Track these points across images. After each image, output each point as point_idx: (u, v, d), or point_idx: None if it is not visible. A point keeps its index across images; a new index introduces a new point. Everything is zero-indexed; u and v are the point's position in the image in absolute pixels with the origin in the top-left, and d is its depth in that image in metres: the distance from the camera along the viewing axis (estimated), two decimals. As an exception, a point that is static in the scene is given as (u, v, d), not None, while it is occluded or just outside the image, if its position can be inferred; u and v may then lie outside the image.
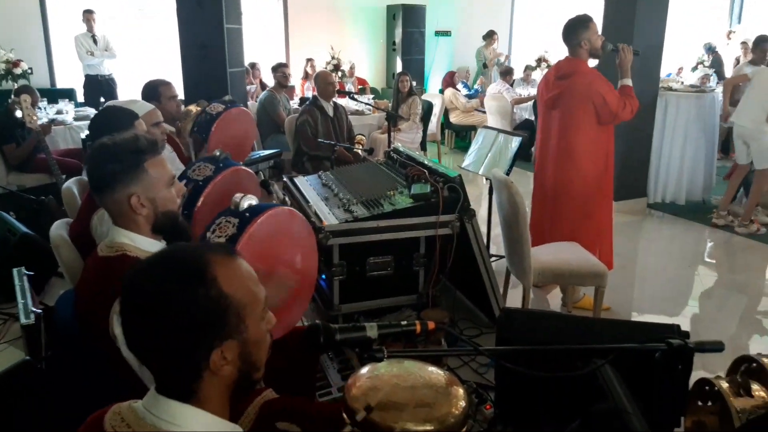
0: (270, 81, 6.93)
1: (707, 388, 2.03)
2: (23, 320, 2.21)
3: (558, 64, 3.49)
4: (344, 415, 1.28)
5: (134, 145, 1.64)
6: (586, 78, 3.31)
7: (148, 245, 1.66)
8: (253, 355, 1.05)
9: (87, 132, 5.33)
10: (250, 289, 1.04)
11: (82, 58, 7.18)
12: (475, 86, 9.26)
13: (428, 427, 1.23)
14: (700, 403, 2.06)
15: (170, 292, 0.95)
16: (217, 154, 2.31)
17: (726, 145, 7.16)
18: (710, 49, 9.30)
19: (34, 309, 2.28)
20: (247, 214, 1.81)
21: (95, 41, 7.17)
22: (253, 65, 7.76)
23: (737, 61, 7.82)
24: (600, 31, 3.51)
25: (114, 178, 1.61)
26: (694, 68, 8.94)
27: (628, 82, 3.39)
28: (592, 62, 3.51)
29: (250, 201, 1.84)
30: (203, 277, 0.97)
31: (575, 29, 3.34)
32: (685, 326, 1.94)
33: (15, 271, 2.64)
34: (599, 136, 3.38)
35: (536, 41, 10.68)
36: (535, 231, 3.68)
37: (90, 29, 7.16)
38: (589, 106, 3.28)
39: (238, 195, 1.84)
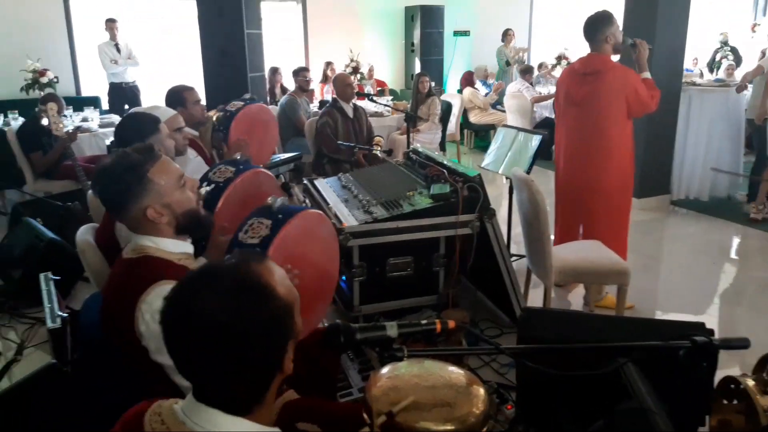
0: (290, 85, 6.98)
1: (732, 386, 2.00)
2: (50, 324, 2.27)
3: (583, 61, 3.46)
4: (364, 415, 1.29)
5: (130, 161, 1.62)
6: (620, 72, 3.32)
7: (172, 246, 1.68)
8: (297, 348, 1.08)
9: (112, 138, 5.43)
10: (290, 287, 1.06)
11: (106, 67, 7.30)
12: (490, 82, 9.21)
13: (449, 427, 1.23)
14: (725, 402, 2.03)
15: (244, 316, 0.94)
16: (238, 157, 2.34)
17: (752, 140, 7.03)
18: (725, 42, 9.18)
19: (61, 313, 2.33)
20: (280, 216, 1.83)
21: (118, 50, 7.29)
22: (275, 70, 7.82)
23: (763, 53, 7.67)
24: (621, 26, 3.50)
25: (122, 198, 1.61)
26: (719, 64, 8.80)
27: (648, 75, 3.41)
28: (614, 57, 3.49)
29: (283, 202, 1.87)
30: (266, 291, 0.98)
31: (600, 25, 3.33)
32: (711, 324, 1.90)
33: (42, 276, 2.71)
34: (629, 131, 3.43)
35: (556, 39, 10.60)
36: (560, 230, 3.65)
37: (113, 38, 7.27)
38: (622, 101, 3.30)
39: (272, 198, 1.87)
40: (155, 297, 1.52)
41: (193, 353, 0.96)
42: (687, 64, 8.54)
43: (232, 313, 0.94)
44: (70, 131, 4.80)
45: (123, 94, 7.36)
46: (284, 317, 0.99)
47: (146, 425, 1.03)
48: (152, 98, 7.15)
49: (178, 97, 3.28)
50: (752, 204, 5.18)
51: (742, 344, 1.34)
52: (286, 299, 1.00)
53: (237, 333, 0.93)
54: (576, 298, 3.68)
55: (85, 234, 2.22)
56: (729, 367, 2.72)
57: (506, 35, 9.37)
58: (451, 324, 1.27)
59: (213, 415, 0.98)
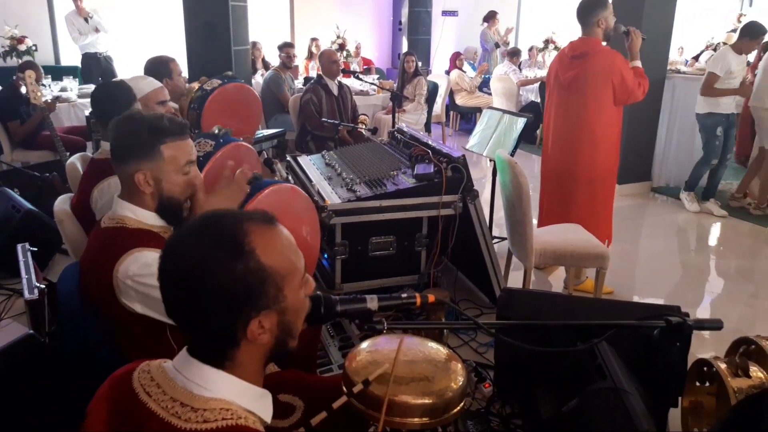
0: (273, 60, 6.88)
1: (705, 369, 2.04)
2: (27, 295, 2.23)
3: (573, 44, 3.44)
4: (344, 388, 1.30)
5: (155, 125, 1.63)
6: (608, 57, 3.28)
7: (151, 219, 1.66)
8: (291, 324, 1.05)
9: (90, 110, 5.33)
10: (289, 258, 1.03)
11: (74, 39, 7.09)
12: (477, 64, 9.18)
13: (427, 401, 1.25)
14: (698, 384, 2.07)
15: (209, 265, 0.95)
16: (216, 131, 2.31)
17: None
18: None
19: (38, 284, 2.30)
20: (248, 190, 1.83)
21: (86, 20, 7.08)
22: (254, 44, 7.70)
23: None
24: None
25: (128, 151, 1.62)
26: (703, 51, 8.87)
27: (639, 64, 3.38)
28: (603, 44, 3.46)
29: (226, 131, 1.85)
30: (242, 250, 0.97)
31: (593, 8, 3.30)
32: (687, 309, 1.94)
33: (19, 246, 2.66)
34: (616, 118, 3.40)
35: (544, 22, 10.57)
36: (543, 213, 3.67)
37: (79, 12, 7.01)
38: (608, 86, 3.27)
39: (240, 170, 1.85)
40: (129, 263, 1.52)
41: (170, 294, 0.99)
42: (673, 53, 8.59)
43: (199, 260, 0.95)
44: (49, 100, 4.70)
45: (97, 65, 7.17)
46: (257, 283, 0.97)
47: (135, 382, 1.03)
48: (129, 69, 6.98)
49: (164, 68, 3.18)
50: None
51: (715, 325, 1.37)
52: (270, 267, 0.98)
53: (197, 280, 0.95)
54: (556, 281, 3.72)
55: (63, 203, 2.19)
56: (703, 351, 2.78)
57: (492, 18, 9.30)
58: (431, 298, 1.28)
59: (202, 370, 1.00)
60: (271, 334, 1.01)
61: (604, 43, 3.40)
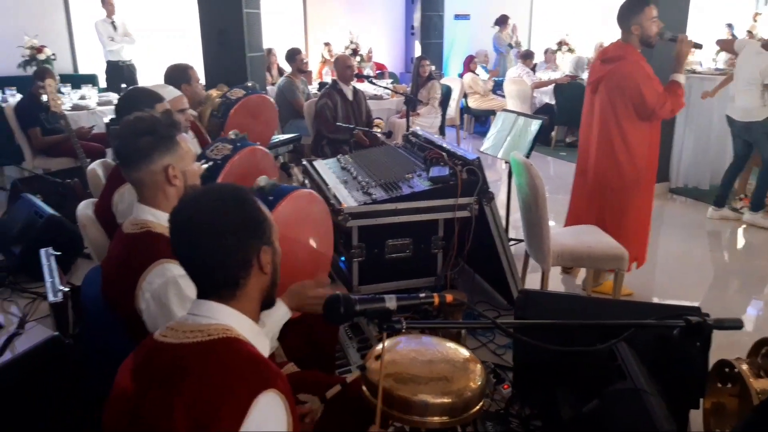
0: (286, 66, 6.93)
1: (727, 370, 2.03)
2: (51, 298, 2.29)
3: (607, 48, 3.34)
4: (363, 388, 1.31)
5: (169, 119, 1.72)
6: (626, 67, 3.11)
7: None
8: (278, 269, 1.26)
9: (110, 116, 5.41)
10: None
11: (104, 44, 7.23)
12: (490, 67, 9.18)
13: (446, 400, 1.26)
14: (720, 385, 2.06)
15: (223, 204, 1.18)
16: (233, 135, 2.35)
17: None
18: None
19: (62, 287, 2.34)
20: (270, 198, 1.86)
21: (115, 27, 7.21)
22: (270, 50, 7.77)
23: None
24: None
25: (152, 148, 1.65)
26: (719, 51, 8.76)
27: (680, 78, 3.15)
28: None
29: (274, 183, 1.90)
30: (247, 198, 1.21)
31: (628, 13, 3.13)
32: (707, 310, 1.91)
33: (42, 251, 2.72)
34: (640, 129, 3.18)
35: (557, 24, 10.54)
36: (572, 215, 3.57)
37: (110, 15, 7.19)
38: (625, 97, 3.11)
39: (261, 178, 1.89)
40: (155, 276, 1.54)
41: (188, 244, 1.17)
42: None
43: (220, 204, 1.17)
44: (84, 129, 4.83)
45: (120, 73, 7.29)
46: (262, 219, 1.21)
47: (156, 336, 1.18)
48: (149, 77, 7.09)
49: (184, 74, 3.22)
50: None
51: (734, 325, 1.36)
52: (266, 213, 1.23)
53: (221, 216, 1.16)
54: (574, 284, 3.70)
55: (85, 208, 2.23)
56: (725, 352, 2.75)
57: (504, 22, 9.29)
58: (449, 298, 1.28)
59: (210, 305, 1.17)
60: (269, 270, 1.22)
61: (641, 50, 3.21)
